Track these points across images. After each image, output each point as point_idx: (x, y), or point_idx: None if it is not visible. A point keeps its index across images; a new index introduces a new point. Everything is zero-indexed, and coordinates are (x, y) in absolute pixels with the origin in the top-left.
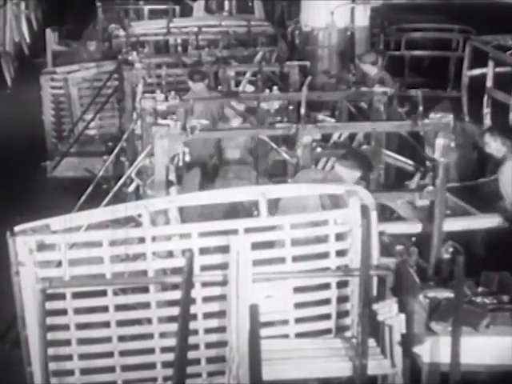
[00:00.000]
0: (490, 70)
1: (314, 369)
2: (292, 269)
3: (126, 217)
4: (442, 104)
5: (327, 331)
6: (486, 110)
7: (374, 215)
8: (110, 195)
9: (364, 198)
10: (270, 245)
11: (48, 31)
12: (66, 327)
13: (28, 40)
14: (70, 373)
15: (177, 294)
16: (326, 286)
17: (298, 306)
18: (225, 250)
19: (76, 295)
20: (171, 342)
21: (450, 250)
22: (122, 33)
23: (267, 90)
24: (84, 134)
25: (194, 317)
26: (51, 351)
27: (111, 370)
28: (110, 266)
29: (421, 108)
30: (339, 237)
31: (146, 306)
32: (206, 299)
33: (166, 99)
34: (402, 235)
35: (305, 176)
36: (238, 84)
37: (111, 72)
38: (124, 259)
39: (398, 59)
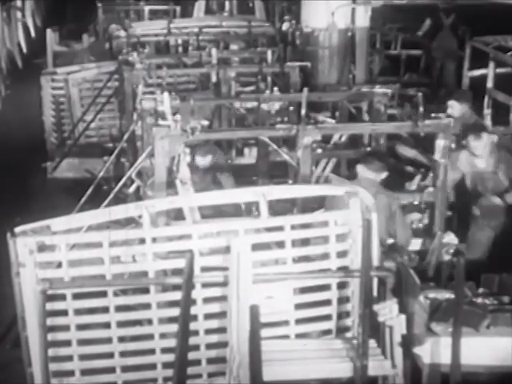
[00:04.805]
0: (490, 71)
1: (314, 369)
2: (292, 270)
3: (126, 218)
4: (460, 93)
5: (328, 332)
6: (487, 111)
7: (374, 216)
8: (111, 196)
9: (364, 199)
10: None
11: (49, 31)
12: (66, 328)
13: (25, 49)
14: (71, 373)
15: (177, 295)
16: (327, 287)
17: (299, 306)
18: (225, 250)
19: (76, 296)
20: (172, 342)
21: (451, 251)
22: (122, 33)
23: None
24: (84, 134)
25: (195, 317)
26: (51, 352)
27: (111, 370)
28: (111, 266)
29: (421, 109)
30: (340, 238)
31: (147, 306)
32: (207, 300)
33: None
34: None
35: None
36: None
37: (111, 73)
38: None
39: (395, 58)
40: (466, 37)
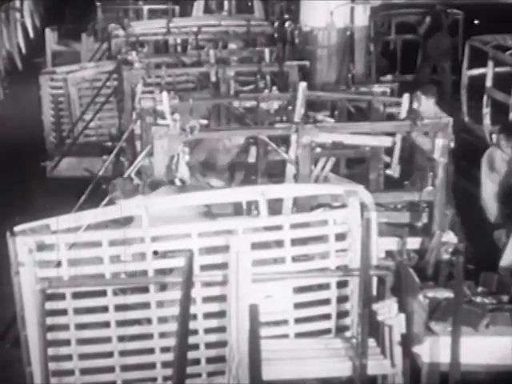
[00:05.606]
0: (489, 70)
1: (313, 369)
2: (292, 269)
3: (125, 217)
4: (426, 87)
5: (327, 331)
6: (486, 110)
7: (373, 215)
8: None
9: (364, 197)
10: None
11: (47, 31)
12: (65, 327)
13: (23, 50)
14: (70, 373)
15: (177, 294)
16: (326, 286)
17: (298, 306)
18: (225, 250)
19: (76, 295)
20: (171, 341)
21: (450, 250)
22: (121, 32)
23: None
24: (83, 133)
25: (194, 317)
26: (51, 351)
27: (111, 370)
28: (110, 266)
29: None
30: (339, 237)
31: (146, 306)
32: (206, 299)
33: None
34: None
35: None
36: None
37: (110, 72)
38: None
39: (392, 56)
40: (466, 36)
